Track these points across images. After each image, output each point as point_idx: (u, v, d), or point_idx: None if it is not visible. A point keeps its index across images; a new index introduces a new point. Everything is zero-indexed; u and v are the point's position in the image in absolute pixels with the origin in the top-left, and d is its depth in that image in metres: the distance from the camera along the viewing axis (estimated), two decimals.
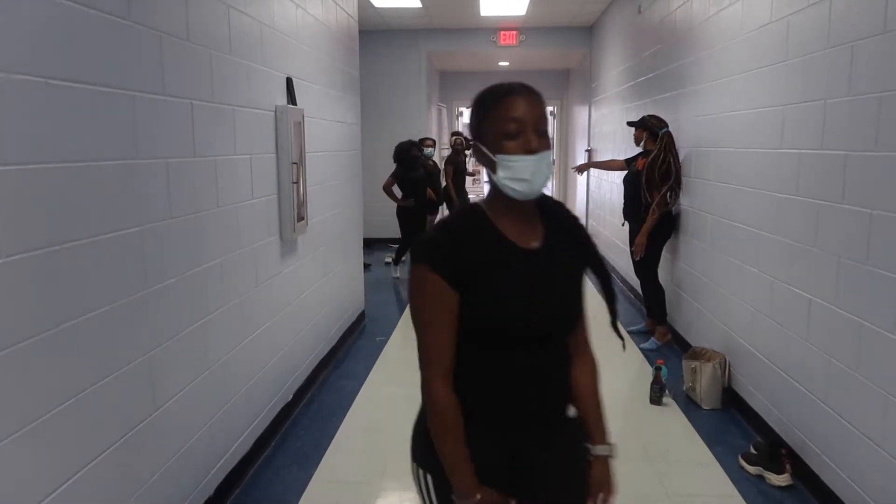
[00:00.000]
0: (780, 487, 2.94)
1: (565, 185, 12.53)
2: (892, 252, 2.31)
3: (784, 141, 3.16)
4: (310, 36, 4.09)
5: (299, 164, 3.67)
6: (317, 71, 4.25)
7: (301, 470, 3.13)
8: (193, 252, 2.56)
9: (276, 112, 3.43)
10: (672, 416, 3.75)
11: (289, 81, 3.64)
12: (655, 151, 4.75)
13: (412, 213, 7.52)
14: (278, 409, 3.54)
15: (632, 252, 4.97)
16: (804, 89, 2.96)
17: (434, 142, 8.69)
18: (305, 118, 3.80)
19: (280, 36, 3.53)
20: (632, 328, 5.35)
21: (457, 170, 8.59)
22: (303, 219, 3.77)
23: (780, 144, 3.20)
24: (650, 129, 4.84)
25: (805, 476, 2.93)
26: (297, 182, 3.63)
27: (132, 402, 2.15)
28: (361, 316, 5.68)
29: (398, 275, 7.77)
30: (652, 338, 4.97)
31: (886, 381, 2.35)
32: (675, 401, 3.91)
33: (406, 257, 7.71)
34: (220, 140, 2.78)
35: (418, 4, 7.97)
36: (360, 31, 5.79)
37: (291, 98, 3.65)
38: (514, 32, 9.43)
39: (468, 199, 7.87)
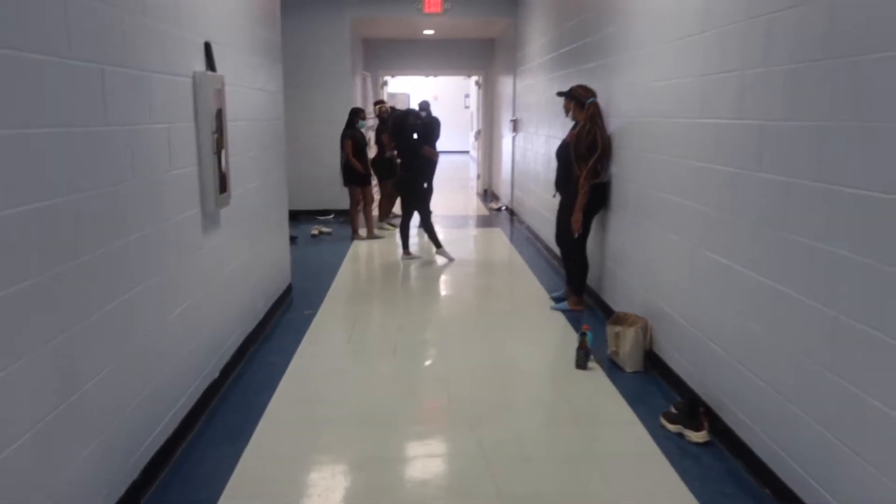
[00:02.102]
0: (698, 444, 3.09)
1: (490, 154, 12.60)
2: (806, 218, 2.43)
3: (704, 110, 3.25)
4: None
5: (220, 133, 3.53)
6: (237, 36, 4.08)
7: (231, 447, 3.06)
8: (110, 227, 2.43)
9: (194, 78, 3.28)
10: (597, 379, 3.87)
11: (207, 46, 3.47)
12: (581, 122, 4.82)
13: (410, 183, 7.11)
14: (205, 386, 3.45)
15: (562, 232, 5.07)
16: (723, 60, 3.05)
17: (366, 113, 8.55)
18: (226, 85, 3.65)
19: None
20: (554, 294, 5.53)
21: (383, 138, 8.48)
22: (225, 191, 3.64)
23: (700, 114, 3.30)
24: (577, 99, 4.90)
25: (722, 432, 3.09)
26: (219, 152, 3.50)
27: (46, 387, 2.04)
28: (288, 290, 5.58)
29: (410, 256, 7.12)
30: (565, 301, 5.18)
31: (799, 340, 2.49)
32: (600, 365, 4.04)
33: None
34: (134, 108, 2.63)
35: None
36: None
37: (210, 64, 3.50)
38: (439, 0, 9.33)
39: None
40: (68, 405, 2.14)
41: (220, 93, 3.52)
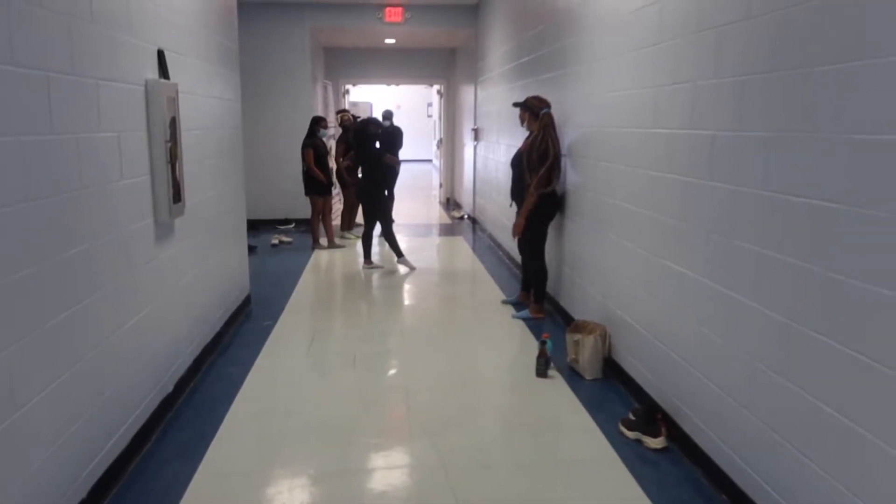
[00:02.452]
0: (656, 450, 3.12)
1: (452, 164, 12.63)
2: (754, 225, 2.47)
3: (658, 121, 3.31)
4: (183, 6, 3.85)
5: (174, 142, 3.46)
6: (192, 44, 4.02)
7: (185, 463, 2.99)
8: (56, 238, 2.36)
9: (146, 86, 3.21)
10: (557, 387, 3.89)
11: (160, 54, 3.41)
12: (535, 132, 4.90)
13: (371, 192, 7.03)
14: (159, 400, 3.36)
15: (523, 240, 5.15)
16: (675, 71, 3.11)
17: (328, 122, 8.48)
18: (180, 94, 3.59)
19: (150, 5, 3.30)
20: (508, 299, 5.59)
21: (347, 148, 8.41)
22: (180, 200, 3.57)
23: (654, 124, 3.35)
24: (531, 110, 4.97)
25: (679, 438, 3.12)
26: (173, 161, 3.43)
27: None
28: (247, 300, 5.49)
29: (371, 265, 7.05)
30: (526, 310, 5.24)
31: (751, 347, 2.53)
32: (560, 373, 4.06)
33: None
34: (82, 116, 2.57)
35: None
36: (240, 4, 5.53)
37: (164, 72, 3.43)
38: (400, 9, 9.34)
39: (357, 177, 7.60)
40: (10, 422, 2.06)
41: (173, 101, 3.46)
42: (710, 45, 2.78)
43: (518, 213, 5.19)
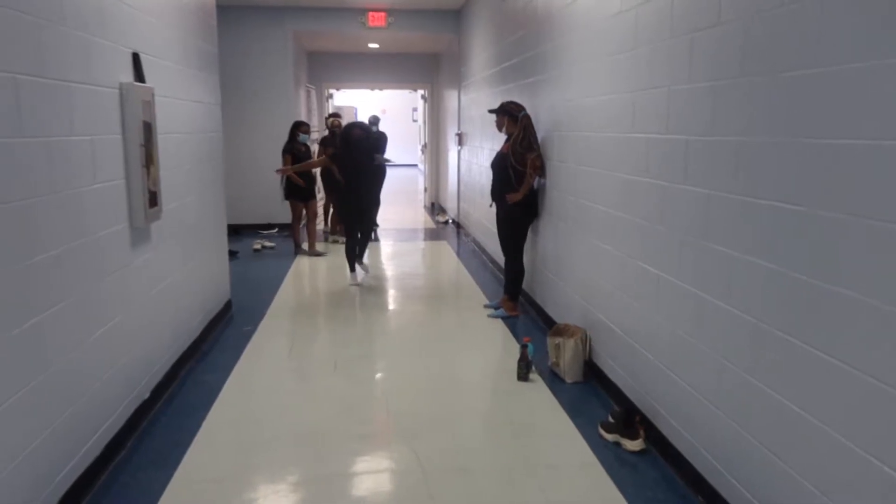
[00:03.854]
0: (634, 452, 3.13)
1: (437, 168, 12.64)
2: (726, 228, 2.49)
3: (634, 125, 3.32)
4: (160, 9, 3.83)
5: (150, 146, 3.44)
6: (169, 47, 3.99)
7: (160, 470, 2.96)
8: (23, 243, 2.33)
9: (121, 90, 3.19)
10: (538, 391, 3.89)
11: (135, 57, 3.39)
12: (517, 132, 4.98)
13: (347, 199, 6.74)
14: (134, 407, 3.33)
15: (503, 240, 5.25)
16: (651, 77, 3.13)
17: (309, 127, 8.42)
18: (156, 97, 3.56)
19: (124, 8, 3.28)
20: (490, 303, 5.67)
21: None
22: (156, 204, 3.54)
23: (631, 129, 3.36)
24: (510, 114, 5.07)
25: (657, 440, 3.13)
26: (148, 165, 3.41)
27: None
28: (228, 305, 5.46)
29: (357, 281, 6.66)
30: (501, 308, 5.36)
31: (721, 346, 2.54)
32: (542, 376, 4.06)
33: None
34: (53, 119, 2.54)
35: None
36: (220, 7, 5.51)
37: (139, 75, 3.41)
38: (383, 14, 9.34)
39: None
40: None
41: (149, 104, 3.43)
42: (684, 51, 2.80)
43: (498, 212, 5.28)
